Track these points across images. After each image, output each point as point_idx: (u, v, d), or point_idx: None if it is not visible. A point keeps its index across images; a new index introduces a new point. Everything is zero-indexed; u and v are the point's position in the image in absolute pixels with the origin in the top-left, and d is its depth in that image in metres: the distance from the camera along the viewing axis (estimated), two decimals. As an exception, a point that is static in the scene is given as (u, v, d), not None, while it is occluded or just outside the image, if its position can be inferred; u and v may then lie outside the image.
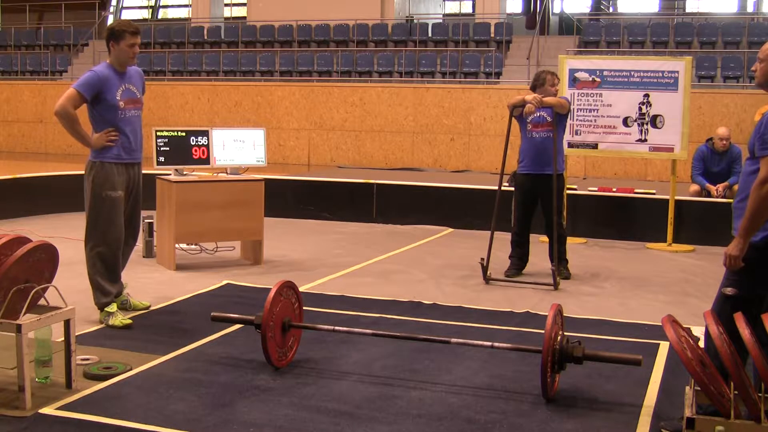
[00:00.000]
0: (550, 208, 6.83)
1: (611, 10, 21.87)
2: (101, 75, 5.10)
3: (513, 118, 6.90)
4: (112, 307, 5.14)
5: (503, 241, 7.04)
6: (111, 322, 5.04)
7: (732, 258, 3.49)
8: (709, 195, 9.03)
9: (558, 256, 6.80)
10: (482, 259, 6.71)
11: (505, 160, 6.92)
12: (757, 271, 3.50)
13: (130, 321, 5.10)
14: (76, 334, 4.07)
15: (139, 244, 7.49)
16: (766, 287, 3.53)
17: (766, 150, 3.39)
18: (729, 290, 3.56)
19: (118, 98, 5.12)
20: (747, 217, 3.43)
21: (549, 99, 6.71)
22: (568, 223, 8.16)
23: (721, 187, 8.95)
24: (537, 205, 6.94)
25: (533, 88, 6.97)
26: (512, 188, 7.18)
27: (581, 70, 8.58)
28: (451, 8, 23.98)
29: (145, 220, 7.43)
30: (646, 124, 8.42)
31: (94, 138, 5.13)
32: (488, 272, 6.69)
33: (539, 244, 7.53)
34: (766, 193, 3.37)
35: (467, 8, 23.74)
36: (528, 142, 6.86)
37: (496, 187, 6.94)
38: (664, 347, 4.80)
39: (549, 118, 6.76)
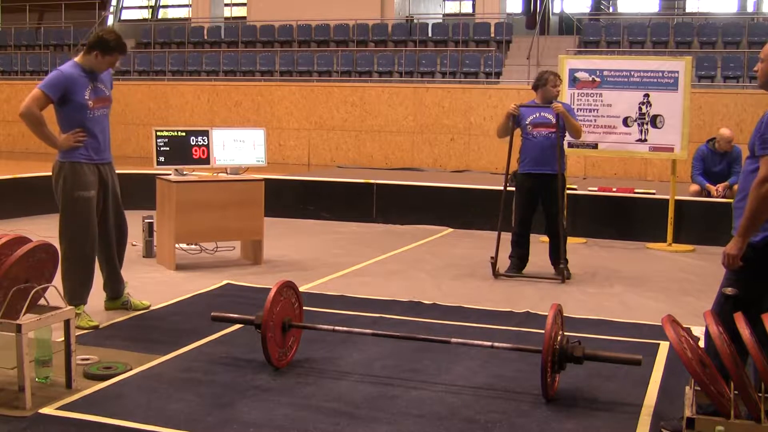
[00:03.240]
0: (551, 207, 6.83)
1: (611, 10, 21.85)
2: (68, 75, 4.95)
3: (514, 122, 6.92)
4: (80, 309, 5.01)
5: (503, 241, 7.03)
6: (78, 322, 4.88)
7: (730, 257, 3.49)
8: (709, 195, 9.02)
9: (559, 256, 6.82)
10: (492, 257, 6.80)
11: (509, 160, 6.95)
12: (757, 271, 3.50)
13: (96, 323, 5.03)
14: (76, 334, 4.07)
15: (139, 244, 7.53)
16: (766, 287, 3.53)
17: (766, 149, 3.39)
18: (729, 290, 3.56)
19: (86, 98, 4.98)
20: (746, 216, 3.43)
21: (573, 122, 6.79)
22: (568, 223, 8.16)
23: (721, 187, 8.95)
24: (538, 204, 6.94)
25: (535, 88, 6.98)
26: (514, 188, 7.19)
27: (581, 70, 8.58)
28: (451, 8, 23.96)
29: (145, 220, 7.44)
30: (646, 124, 8.42)
31: (61, 139, 5.00)
32: (497, 268, 6.79)
33: (539, 244, 7.53)
34: (765, 192, 3.37)
35: (467, 8, 23.71)
36: (528, 142, 6.87)
37: (496, 187, 6.96)
38: (664, 347, 4.80)
39: (553, 119, 6.76)
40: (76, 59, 5.10)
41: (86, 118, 5.01)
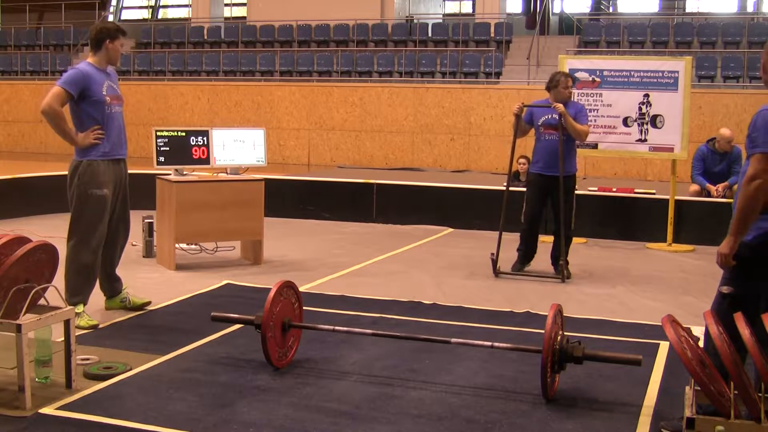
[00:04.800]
0: (559, 206, 6.85)
1: (611, 10, 21.86)
2: (84, 72, 5.06)
3: (522, 121, 6.96)
4: (80, 308, 5.03)
5: (504, 240, 7.03)
6: (77, 322, 4.87)
7: (723, 256, 3.51)
8: (709, 195, 9.02)
9: (560, 256, 6.83)
10: (492, 253, 6.81)
11: (512, 160, 6.96)
12: (753, 269, 3.51)
13: (96, 322, 5.04)
14: (76, 334, 4.07)
15: (139, 244, 7.52)
16: (764, 285, 3.53)
17: (755, 148, 3.40)
18: (726, 289, 3.56)
19: (104, 93, 5.08)
20: (736, 215, 3.45)
21: (576, 125, 6.76)
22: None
23: (721, 187, 8.95)
24: (548, 203, 6.98)
25: (548, 89, 7.01)
26: (516, 188, 7.22)
27: (581, 70, 8.58)
28: (451, 8, 23.97)
29: (145, 220, 7.44)
30: (646, 124, 8.42)
31: (79, 136, 5.07)
32: (497, 266, 6.80)
33: (540, 244, 7.52)
34: (753, 190, 3.38)
35: (467, 8, 23.72)
36: (540, 143, 6.94)
37: (497, 187, 6.97)
38: (664, 347, 4.80)
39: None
40: (88, 60, 5.18)
41: (104, 113, 5.11)
